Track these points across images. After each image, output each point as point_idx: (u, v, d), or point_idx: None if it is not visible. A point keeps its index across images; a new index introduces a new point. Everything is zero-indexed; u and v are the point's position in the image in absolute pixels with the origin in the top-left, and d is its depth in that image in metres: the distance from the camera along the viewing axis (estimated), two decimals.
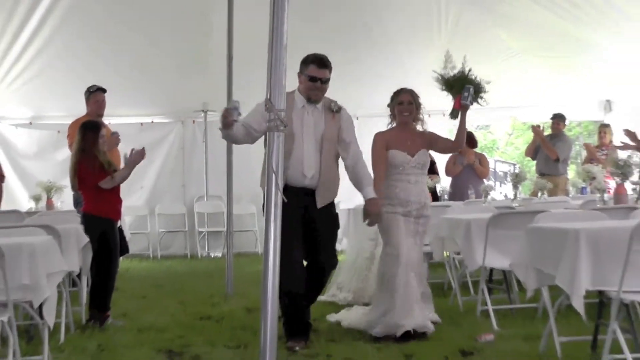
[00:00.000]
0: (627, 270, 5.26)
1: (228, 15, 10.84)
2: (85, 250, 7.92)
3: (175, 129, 16.23)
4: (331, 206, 7.40)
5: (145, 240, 16.11)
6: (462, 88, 7.02)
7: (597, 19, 12.43)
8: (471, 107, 7.33)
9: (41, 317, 5.87)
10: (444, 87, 7.32)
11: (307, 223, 7.01)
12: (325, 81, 7.04)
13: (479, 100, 7.37)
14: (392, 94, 7.76)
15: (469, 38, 13.30)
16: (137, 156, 8.42)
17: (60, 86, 11.96)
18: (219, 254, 15.63)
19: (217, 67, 12.00)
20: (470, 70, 7.27)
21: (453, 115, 7.36)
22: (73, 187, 8.78)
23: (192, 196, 16.24)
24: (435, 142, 7.83)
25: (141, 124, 15.19)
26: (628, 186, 8.94)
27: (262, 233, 14.57)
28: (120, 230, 8.89)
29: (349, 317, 8.18)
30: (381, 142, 7.38)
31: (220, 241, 15.72)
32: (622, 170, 8.83)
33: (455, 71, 7.30)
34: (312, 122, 7.03)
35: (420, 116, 7.61)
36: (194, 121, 16.15)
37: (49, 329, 6.08)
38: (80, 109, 10.87)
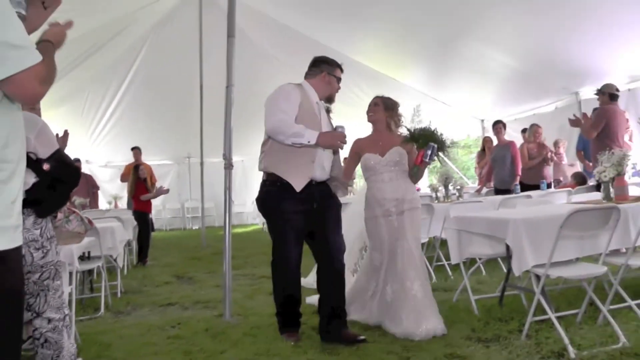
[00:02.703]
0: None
1: (200, 99, 10.95)
2: (134, 228, 7.97)
3: (174, 167, 16.01)
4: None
5: (162, 222, 15.85)
6: (426, 144, 4.12)
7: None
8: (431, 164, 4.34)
9: (116, 262, 5.85)
10: (409, 139, 4.29)
11: (317, 215, 3.79)
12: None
13: (440, 155, 4.32)
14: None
15: None
16: (163, 191, 8.64)
17: (120, 144, 11.85)
18: (197, 227, 15.56)
19: (195, 132, 11.78)
20: (435, 129, 4.31)
21: (415, 172, 4.25)
22: (130, 195, 8.89)
23: (183, 199, 16.02)
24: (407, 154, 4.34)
25: (158, 164, 14.76)
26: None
27: (221, 219, 14.60)
28: (150, 218, 8.89)
29: None
30: (354, 146, 4.45)
31: (198, 220, 15.63)
32: (445, 182, 7.11)
33: (422, 125, 4.34)
34: (325, 118, 4.05)
35: (397, 119, 4.39)
36: (183, 162, 15.78)
37: (120, 268, 6.08)
38: (129, 158, 10.70)
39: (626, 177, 4.44)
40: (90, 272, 5.79)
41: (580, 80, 9.03)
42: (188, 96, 12.30)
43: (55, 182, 2.70)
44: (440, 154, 4.27)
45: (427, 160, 4.11)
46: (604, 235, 3.63)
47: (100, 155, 14.21)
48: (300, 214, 3.73)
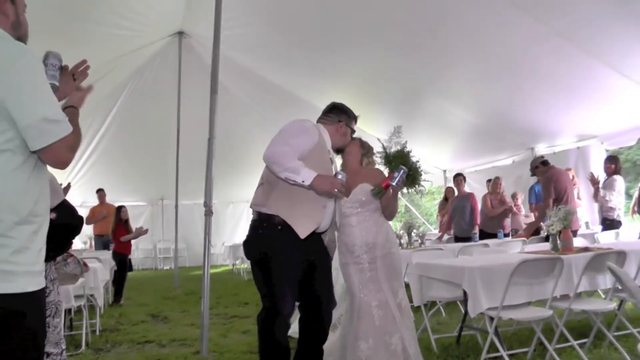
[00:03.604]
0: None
1: (177, 145, 11.17)
2: (112, 269, 8.01)
3: (148, 208, 16.02)
4: None
5: (134, 262, 15.47)
6: (398, 167, 3.58)
7: None
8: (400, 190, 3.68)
9: (96, 301, 5.92)
10: (383, 160, 3.90)
11: (310, 268, 3.28)
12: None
13: (415, 187, 3.87)
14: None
15: None
16: (142, 232, 8.66)
17: (96, 185, 11.84)
18: (168, 267, 15.52)
19: (170, 175, 11.91)
20: (410, 151, 3.86)
21: (376, 193, 3.58)
22: (111, 236, 8.79)
23: (156, 239, 15.89)
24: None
25: (132, 205, 14.71)
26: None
27: (192, 259, 14.67)
28: (130, 260, 8.86)
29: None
30: None
31: (169, 260, 15.59)
32: (409, 229, 7.02)
33: (398, 147, 3.89)
34: (336, 167, 3.56)
35: (371, 160, 3.89)
36: (157, 204, 15.89)
37: (99, 306, 6.13)
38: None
39: (581, 230, 4.79)
40: (69, 310, 5.87)
41: (535, 137, 9.59)
42: (164, 140, 12.49)
43: (61, 230, 2.90)
44: (413, 189, 3.84)
45: (393, 183, 3.52)
46: (550, 282, 3.97)
47: (75, 196, 14.20)
48: (300, 265, 3.19)
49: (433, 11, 6.89)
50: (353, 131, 3.63)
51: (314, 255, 3.28)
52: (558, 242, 4.65)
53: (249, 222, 3.35)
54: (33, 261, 1.80)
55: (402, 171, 3.53)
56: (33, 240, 1.80)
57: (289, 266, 3.12)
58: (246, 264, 12.33)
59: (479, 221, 8.27)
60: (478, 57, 7.54)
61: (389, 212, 3.77)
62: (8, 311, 1.70)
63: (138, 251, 15.71)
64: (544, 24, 6.33)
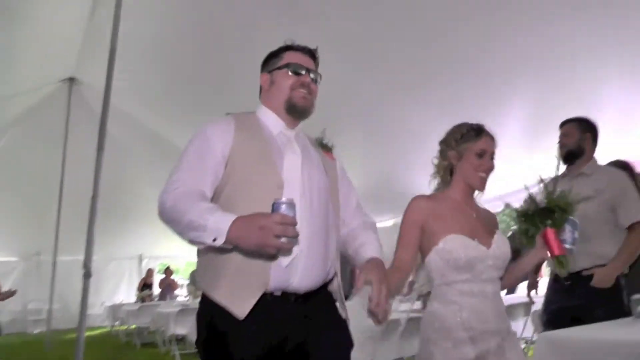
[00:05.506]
0: None
1: (59, 197, 10.64)
2: None
3: (21, 264, 14.75)
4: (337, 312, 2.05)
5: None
6: (563, 220, 2.17)
7: None
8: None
9: None
10: (515, 222, 2.36)
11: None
12: (315, 77, 2.03)
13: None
14: (459, 130, 2.42)
15: None
16: (10, 294, 8.09)
17: None
18: (39, 330, 14.13)
19: (49, 228, 11.18)
20: (570, 190, 2.30)
21: (555, 267, 2.32)
22: None
23: (27, 299, 14.27)
24: None
25: (1, 261, 13.64)
26: None
27: (67, 321, 13.61)
28: None
29: None
30: (417, 210, 2.37)
31: (42, 321, 14.16)
32: None
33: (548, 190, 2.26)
34: (300, 159, 1.92)
35: None
36: (31, 259, 14.53)
37: None
38: None
39: None
40: None
41: None
42: (45, 190, 11.80)
43: None
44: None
45: (571, 245, 2.30)
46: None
47: None
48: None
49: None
50: (290, 67, 2.06)
51: (299, 335, 1.89)
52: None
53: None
54: None
55: (574, 225, 2.32)
56: None
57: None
58: (125, 326, 11.74)
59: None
60: (363, 124, 8.07)
61: (511, 285, 2.52)
62: None
63: (4, 314, 14.35)
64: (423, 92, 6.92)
